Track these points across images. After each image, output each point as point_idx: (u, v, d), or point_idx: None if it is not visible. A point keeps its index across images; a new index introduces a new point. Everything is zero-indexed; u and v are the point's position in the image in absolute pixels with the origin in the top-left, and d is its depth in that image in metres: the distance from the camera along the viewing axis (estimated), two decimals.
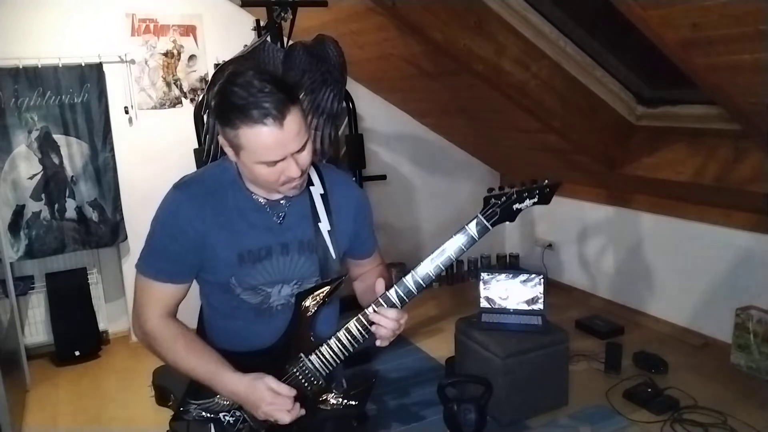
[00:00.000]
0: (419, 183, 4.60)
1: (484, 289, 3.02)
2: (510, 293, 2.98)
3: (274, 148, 1.14)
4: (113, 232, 3.76)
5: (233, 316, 1.33)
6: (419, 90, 4.04)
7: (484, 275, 3.05)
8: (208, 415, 1.31)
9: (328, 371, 1.30)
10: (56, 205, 3.58)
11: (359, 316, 1.27)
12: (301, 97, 2.66)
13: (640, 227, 3.85)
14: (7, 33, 3.41)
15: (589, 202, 4.20)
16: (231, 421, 1.31)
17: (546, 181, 1.30)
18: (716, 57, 2.09)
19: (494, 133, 4.12)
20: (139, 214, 3.82)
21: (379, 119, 4.46)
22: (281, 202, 1.30)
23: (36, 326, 3.80)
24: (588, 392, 3.02)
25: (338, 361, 1.30)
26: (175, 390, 3.17)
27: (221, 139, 1.21)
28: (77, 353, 3.72)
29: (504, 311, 2.98)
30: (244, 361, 1.27)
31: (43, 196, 3.53)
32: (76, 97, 3.53)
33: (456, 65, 3.11)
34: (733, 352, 3.19)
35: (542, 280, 2.96)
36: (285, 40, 2.94)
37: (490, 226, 1.25)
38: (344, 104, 3.22)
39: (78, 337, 3.74)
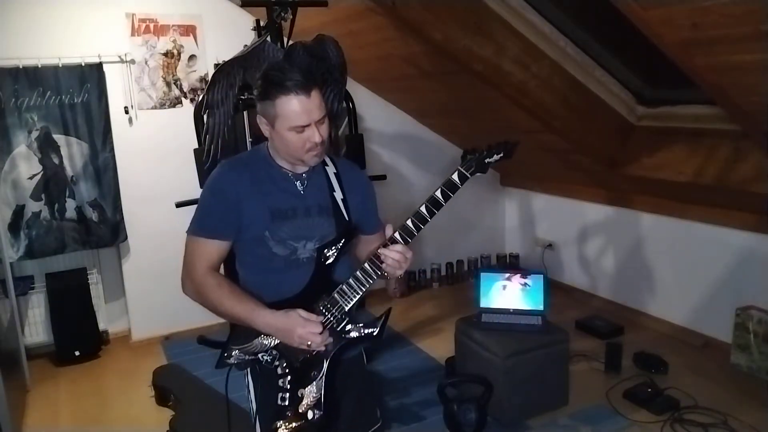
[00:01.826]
0: (419, 183, 4.61)
1: (484, 289, 3.02)
2: (510, 293, 2.99)
3: (302, 113, 1.43)
4: (113, 232, 3.76)
5: (267, 269, 1.55)
6: (419, 90, 4.04)
7: (483, 275, 3.05)
8: (248, 356, 1.53)
9: (349, 305, 1.51)
10: (56, 205, 3.58)
11: (370, 256, 1.50)
12: None
13: (640, 227, 3.85)
14: (7, 33, 3.42)
15: (589, 202, 4.20)
16: (269, 359, 1.52)
17: (508, 141, 1.63)
18: (716, 57, 2.09)
19: (494, 134, 4.10)
20: (139, 214, 3.83)
21: (379, 119, 4.46)
22: (303, 174, 1.57)
23: (36, 326, 3.80)
24: (588, 392, 3.02)
25: (357, 295, 1.51)
26: (176, 390, 3.18)
27: (259, 119, 1.50)
28: (77, 353, 3.72)
29: (504, 311, 2.97)
30: (277, 308, 1.49)
31: (43, 196, 3.54)
32: (76, 97, 3.53)
33: (456, 65, 3.11)
34: (733, 352, 3.19)
35: (542, 280, 2.96)
36: (285, 40, 2.94)
37: (468, 175, 1.54)
38: (344, 104, 3.22)
39: (78, 337, 3.74)
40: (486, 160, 1.57)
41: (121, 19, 3.65)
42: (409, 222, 1.51)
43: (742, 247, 3.24)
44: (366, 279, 1.50)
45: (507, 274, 3.01)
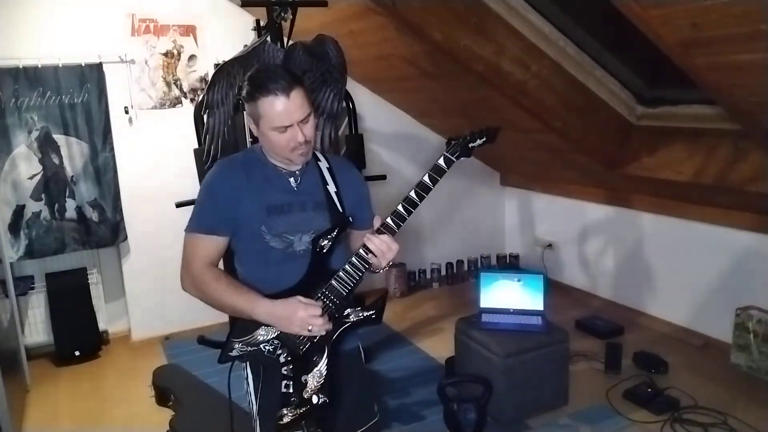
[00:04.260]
0: None
1: (484, 289, 3.02)
2: (510, 293, 2.98)
3: (283, 114, 1.47)
4: (113, 232, 3.76)
5: (264, 263, 1.59)
6: (419, 90, 4.04)
7: (483, 275, 3.05)
8: (250, 348, 1.55)
9: (348, 290, 1.55)
10: (56, 205, 3.58)
11: (364, 242, 1.53)
12: None
13: (640, 227, 3.85)
14: (7, 33, 3.42)
15: (589, 202, 4.20)
16: (270, 349, 1.55)
17: (489, 126, 1.67)
18: (716, 57, 2.09)
19: None
20: (139, 214, 3.83)
21: (379, 119, 4.47)
22: (296, 171, 1.62)
23: (36, 326, 3.80)
24: (588, 392, 3.02)
25: (355, 281, 1.55)
26: (176, 390, 3.18)
27: (247, 118, 1.56)
28: (77, 353, 3.72)
29: (504, 311, 2.97)
30: (276, 299, 1.53)
31: (43, 196, 3.54)
32: (76, 97, 3.53)
33: (456, 65, 3.11)
34: (733, 352, 3.19)
35: (542, 280, 2.96)
36: (285, 40, 2.94)
37: (454, 159, 1.57)
38: (344, 104, 3.22)
39: (78, 337, 3.75)
40: (470, 145, 1.61)
41: (121, 19, 3.65)
42: (399, 207, 1.53)
43: (742, 247, 3.24)
44: (362, 264, 1.53)
45: (507, 274, 3.01)
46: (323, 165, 1.66)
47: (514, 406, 2.77)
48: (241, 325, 1.55)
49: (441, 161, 1.56)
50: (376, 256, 1.51)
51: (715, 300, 3.41)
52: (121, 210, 3.76)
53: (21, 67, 3.37)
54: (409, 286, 4.71)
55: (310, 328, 1.49)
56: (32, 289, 3.76)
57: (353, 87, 3.88)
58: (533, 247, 4.81)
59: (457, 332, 3.04)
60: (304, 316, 1.47)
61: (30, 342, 3.74)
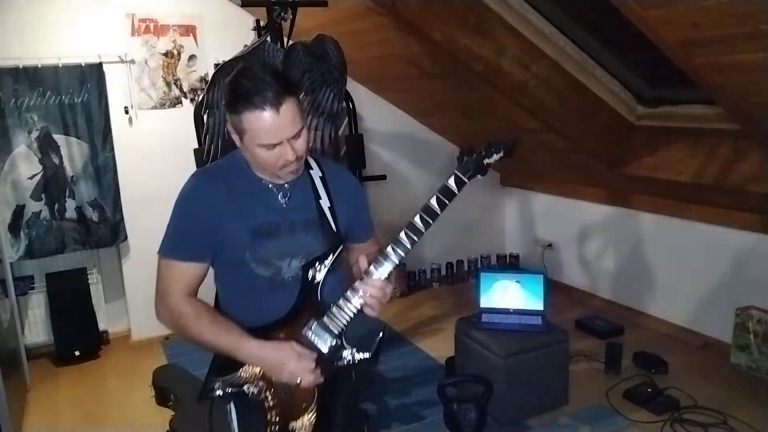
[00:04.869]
0: (419, 183, 4.61)
1: (484, 289, 3.02)
2: (510, 293, 2.98)
3: (271, 131, 1.27)
4: (113, 232, 3.76)
5: (249, 291, 1.42)
6: (419, 90, 4.04)
7: (483, 275, 3.05)
8: (233, 389, 1.38)
9: (340, 329, 1.38)
10: (56, 205, 3.58)
11: (362, 274, 1.38)
12: (300, 97, 2.66)
13: (640, 227, 3.85)
14: (7, 33, 3.42)
15: (589, 202, 4.20)
16: (255, 391, 1.38)
17: (507, 138, 1.51)
18: (716, 57, 2.09)
19: (494, 134, 4.11)
20: (139, 214, 3.83)
21: (379, 119, 4.46)
22: (285, 185, 1.43)
23: (36, 326, 3.80)
24: (588, 392, 3.02)
25: (348, 319, 1.37)
26: (176, 390, 3.18)
27: (229, 127, 1.34)
28: (77, 353, 3.72)
29: (504, 311, 2.97)
30: (261, 335, 1.36)
31: (43, 196, 3.54)
32: (76, 97, 3.53)
33: (456, 65, 3.11)
34: (733, 352, 3.19)
35: (542, 280, 2.96)
36: (285, 40, 2.94)
37: (466, 180, 1.37)
38: (344, 104, 3.22)
39: (78, 337, 3.74)
40: (485, 161, 1.41)
41: (121, 19, 3.65)
42: (402, 234, 1.36)
43: (742, 247, 3.24)
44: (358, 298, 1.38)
45: (507, 274, 3.01)
46: (316, 174, 1.47)
47: (514, 406, 2.77)
48: (223, 362, 1.38)
49: (451, 182, 1.36)
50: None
51: (715, 300, 3.41)
52: (121, 210, 3.76)
53: (21, 67, 3.37)
54: (409, 286, 4.71)
55: (299, 380, 1.34)
56: (32, 289, 3.76)
57: (353, 87, 3.87)
58: (533, 247, 4.81)
59: (457, 332, 3.04)
60: (295, 368, 1.32)
61: (30, 342, 3.74)
